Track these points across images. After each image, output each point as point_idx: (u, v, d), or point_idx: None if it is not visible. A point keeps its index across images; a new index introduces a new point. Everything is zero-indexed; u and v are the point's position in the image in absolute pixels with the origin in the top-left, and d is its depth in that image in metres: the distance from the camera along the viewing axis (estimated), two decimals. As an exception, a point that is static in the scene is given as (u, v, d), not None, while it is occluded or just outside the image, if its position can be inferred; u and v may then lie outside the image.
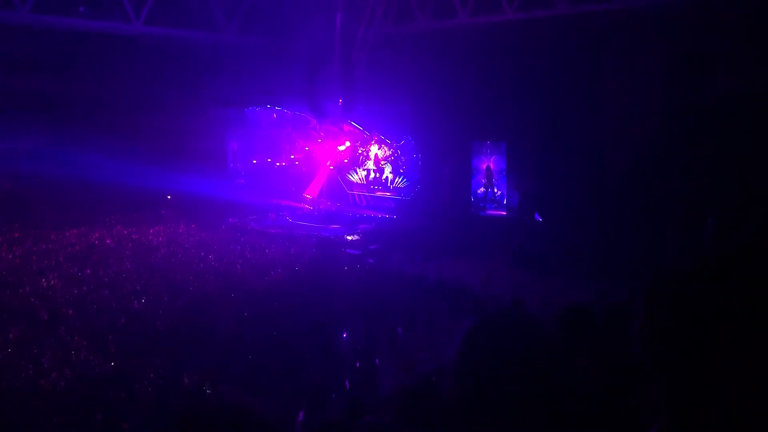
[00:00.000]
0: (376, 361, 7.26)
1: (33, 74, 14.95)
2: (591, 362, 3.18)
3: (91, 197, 16.86)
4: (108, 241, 15.24)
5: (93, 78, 16.14)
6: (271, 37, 16.30)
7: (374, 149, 20.31)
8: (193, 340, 8.43)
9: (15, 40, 13.25)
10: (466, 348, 1.50)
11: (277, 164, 22.06)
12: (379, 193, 20.13)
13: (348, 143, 20.70)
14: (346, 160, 20.92)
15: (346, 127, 20.17)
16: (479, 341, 1.51)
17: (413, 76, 16.16)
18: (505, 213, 16.11)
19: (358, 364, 7.27)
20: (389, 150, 19.91)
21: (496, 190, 16.63)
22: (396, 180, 19.71)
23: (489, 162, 16.65)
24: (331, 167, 21.12)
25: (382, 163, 20.10)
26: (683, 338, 1.50)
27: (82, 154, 15.99)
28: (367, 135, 20.23)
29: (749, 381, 1.37)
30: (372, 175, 20.40)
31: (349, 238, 16.66)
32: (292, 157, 21.94)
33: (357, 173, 20.77)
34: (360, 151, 20.69)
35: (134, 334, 8.67)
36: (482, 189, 16.83)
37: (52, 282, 11.38)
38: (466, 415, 1.46)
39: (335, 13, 15.85)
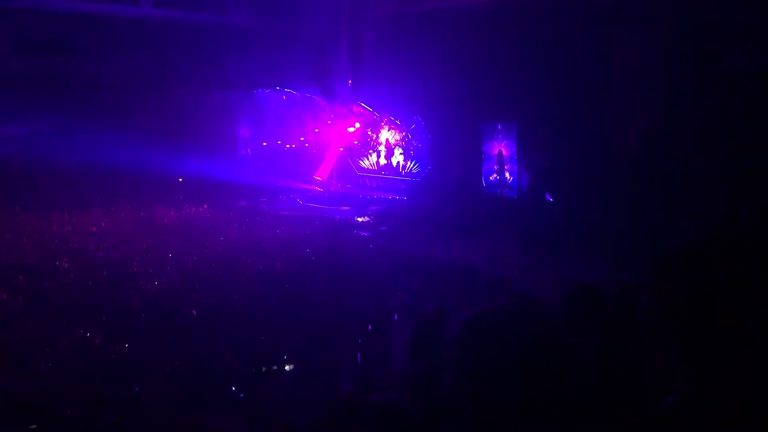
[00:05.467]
0: (386, 340, 7.30)
1: (39, 57, 14.95)
2: (601, 340, 3.15)
3: (100, 180, 16.94)
4: (118, 223, 15.34)
5: (102, 62, 16.12)
6: (280, 18, 16.18)
7: (384, 133, 20.17)
8: (204, 320, 8.50)
9: (21, 23, 13.23)
10: (464, 342, 1.48)
11: (287, 146, 22.04)
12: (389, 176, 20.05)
13: (358, 125, 20.60)
14: (356, 142, 20.84)
15: (355, 109, 20.07)
16: (478, 335, 1.48)
17: (423, 55, 15.98)
18: (515, 196, 15.92)
19: (368, 344, 7.32)
20: (400, 134, 19.77)
21: (508, 176, 16.33)
22: (407, 165, 19.56)
23: (501, 147, 16.35)
24: (341, 149, 21.06)
25: (394, 147, 19.95)
26: (693, 311, 1.48)
27: (91, 138, 16.04)
28: (377, 116, 20.12)
29: (762, 349, 1.35)
30: (383, 161, 20.25)
31: (359, 219, 16.67)
32: (302, 139, 21.90)
33: (368, 159, 20.66)
34: (370, 134, 20.57)
35: (146, 315, 8.75)
36: (495, 176, 16.46)
37: (65, 264, 11.49)
38: (468, 405, 1.45)
39: (344, -8, 15.71)
